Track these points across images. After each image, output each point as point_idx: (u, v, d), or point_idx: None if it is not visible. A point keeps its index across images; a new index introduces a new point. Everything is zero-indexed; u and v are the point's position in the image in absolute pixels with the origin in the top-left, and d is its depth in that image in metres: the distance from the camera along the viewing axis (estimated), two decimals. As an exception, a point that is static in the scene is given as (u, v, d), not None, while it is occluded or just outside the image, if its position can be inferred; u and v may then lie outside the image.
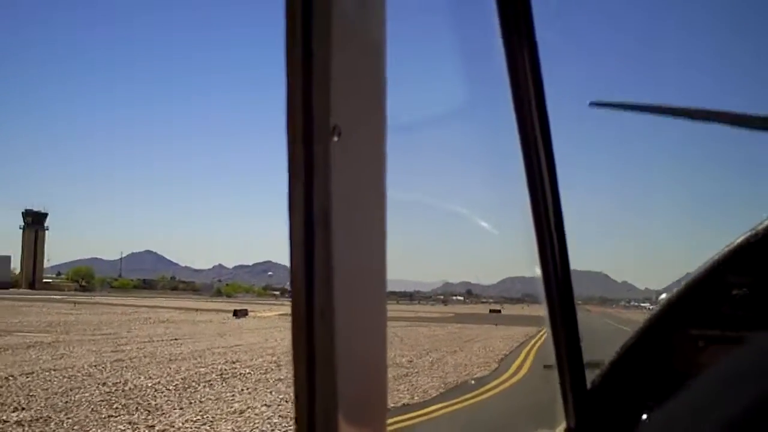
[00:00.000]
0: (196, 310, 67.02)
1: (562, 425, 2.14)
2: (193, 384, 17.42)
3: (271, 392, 16.40)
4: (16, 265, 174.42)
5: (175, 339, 31.49)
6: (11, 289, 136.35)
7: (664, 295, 2.20)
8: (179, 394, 15.88)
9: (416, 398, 16.32)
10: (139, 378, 18.11)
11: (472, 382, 19.79)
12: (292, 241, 0.80)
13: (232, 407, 14.31)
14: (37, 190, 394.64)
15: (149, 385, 17.01)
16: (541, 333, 39.08)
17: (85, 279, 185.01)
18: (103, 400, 14.58)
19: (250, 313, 59.34)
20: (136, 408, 13.94)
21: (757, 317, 1.96)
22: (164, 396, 15.50)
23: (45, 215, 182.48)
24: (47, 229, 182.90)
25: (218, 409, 14.17)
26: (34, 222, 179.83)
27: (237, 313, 57.88)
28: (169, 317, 51.14)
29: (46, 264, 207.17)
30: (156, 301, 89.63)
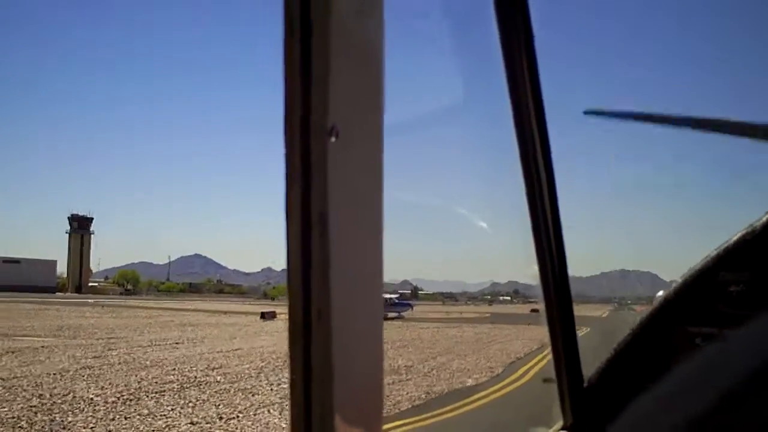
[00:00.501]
0: (227, 312, 65.83)
1: (559, 423, 2.14)
2: (141, 396, 15.66)
3: (217, 406, 14.50)
4: (63, 270, 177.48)
5: (177, 343, 30.12)
6: (58, 294, 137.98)
7: (661, 293, 2.15)
8: (112, 408, 14.08)
9: (381, 413, 14.11)
10: (89, 389, 16.41)
11: (459, 385, 17.62)
12: (289, 243, 0.80)
13: (153, 426, 12.43)
14: (86, 194, 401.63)
15: (90, 397, 15.25)
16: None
17: (130, 282, 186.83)
18: (13, 417, 12.82)
19: (279, 315, 57.91)
20: (42, 427, 12.12)
21: (755, 314, 1.64)
22: (91, 411, 13.71)
23: (90, 219, 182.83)
24: (93, 234, 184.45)
25: (133, 428, 12.27)
26: (80, 226, 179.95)
27: (264, 316, 56.34)
28: (194, 320, 49.94)
29: (97, 268, 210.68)
30: (194, 305, 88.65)
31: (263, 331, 39.81)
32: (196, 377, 18.90)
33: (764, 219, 1.92)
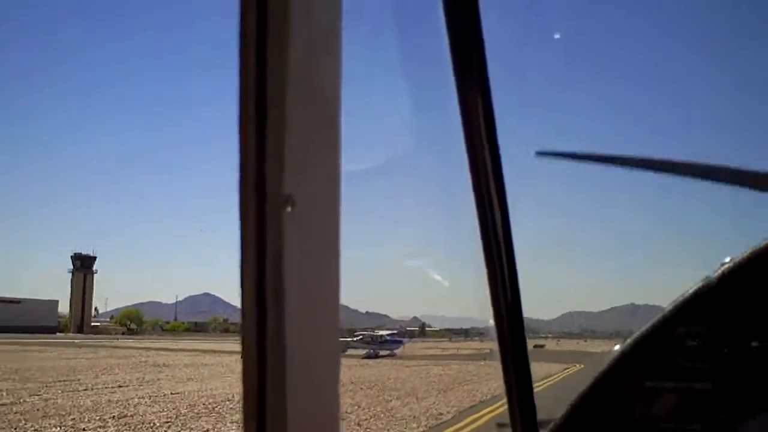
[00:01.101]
0: (213, 351, 63.39)
1: None
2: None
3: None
4: (67, 310, 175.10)
5: (122, 386, 27.96)
6: (58, 334, 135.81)
7: (617, 347, 2.11)
8: None
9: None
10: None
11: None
12: (244, 317, 0.79)
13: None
14: (94, 234, 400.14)
15: None
16: (565, 370, 34.82)
17: (133, 322, 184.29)
18: None
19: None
20: None
21: (711, 368, 1.91)
22: None
23: (93, 259, 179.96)
24: (96, 273, 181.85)
25: None
26: (83, 265, 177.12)
27: (246, 355, 54.00)
28: (170, 361, 47.55)
29: (104, 308, 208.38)
30: (185, 344, 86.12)
31: (232, 372, 37.44)
32: (84, 429, 16.41)
33: (719, 272, 1.89)
